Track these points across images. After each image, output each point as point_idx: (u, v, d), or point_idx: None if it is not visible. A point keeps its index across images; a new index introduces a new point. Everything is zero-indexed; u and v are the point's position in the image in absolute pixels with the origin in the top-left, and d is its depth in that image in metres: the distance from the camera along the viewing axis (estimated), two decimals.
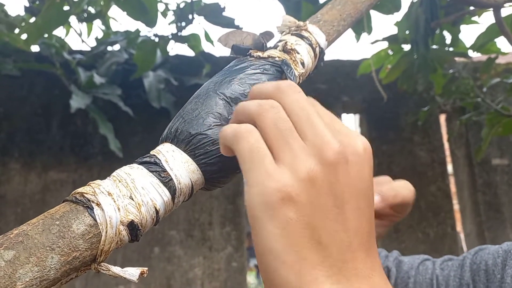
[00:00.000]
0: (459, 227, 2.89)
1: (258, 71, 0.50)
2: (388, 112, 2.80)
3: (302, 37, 0.56)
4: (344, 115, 2.88)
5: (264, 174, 0.33)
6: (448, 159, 2.89)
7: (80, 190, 0.40)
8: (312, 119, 0.36)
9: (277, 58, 0.52)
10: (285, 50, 0.54)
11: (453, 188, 2.86)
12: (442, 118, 2.97)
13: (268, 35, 0.56)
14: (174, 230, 2.42)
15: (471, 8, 1.48)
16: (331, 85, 2.76)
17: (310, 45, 0.56)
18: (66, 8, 1.74)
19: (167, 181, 0.42)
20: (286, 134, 0.35)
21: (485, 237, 2.65)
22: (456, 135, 2.83)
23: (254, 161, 0.34)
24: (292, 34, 0.57)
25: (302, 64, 0.54)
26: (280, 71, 0.51)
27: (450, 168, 2.87)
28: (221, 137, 0.38)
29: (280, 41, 0.56)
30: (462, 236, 2.86)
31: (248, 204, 0.34)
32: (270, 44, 0.56)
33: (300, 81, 0.54)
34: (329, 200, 0.33)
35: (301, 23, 0.57)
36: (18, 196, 2.32)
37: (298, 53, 0.54)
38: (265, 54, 0.53)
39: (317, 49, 0.57)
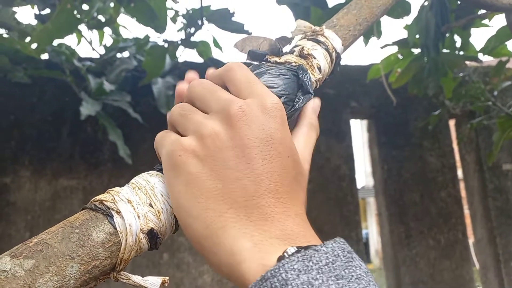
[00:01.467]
0: (470, 233, 2.86)
1: (275, 76, 0.49)
2: (397, 118, 2.78)
3: (318, 42, 0.55)
4: (352, 121, 2.87)
5: (169, 144, 0.38)
6: (458, 164, 2.86)
7: (99, 197, 0.40)
8: (213, 93, 0.39)
9: (293, 63, 0.52)
10: (301, 55, 0.53)
11: (463, 193, 2.84)
12: (451, 123, 2.95)
13: (284, 40, 0.55)
14: (183, 237, 2.42)
15: (482, 11, 1.47)
16: (340, 91, 2.75)
17: (327, 50, 0.55)
18: (76, 14, 1.74)
19: None
20: (187, 113, 0.39)
21: (496, 243, 2.62)
22: (466, 140, 2.81)
23: (162, 140, 0.40)
24: (308, 39, 0.56)
25: (319, 69, 0.54)
26: (297, 76, 0.51)
27: (460, 173, 2.85)
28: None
29: (296, 46, 0.55)
30: (470, 242, 2.83)
31: (164, 170, 0.38)
32: (285, 49, 0.55)
33: (318, 86, 0.54)
34: (230, 152, 0.35)
35: (318, 28, 0.56)
36: (28, 203, 2.33)
37: (314, 58, 0.54)
38: (282, 59, 0.52)
39: (334, 54, 0.56)
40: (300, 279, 0.29)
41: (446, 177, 2.72)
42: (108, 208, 0.39)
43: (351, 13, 0.60)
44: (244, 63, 0.51)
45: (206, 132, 0.36)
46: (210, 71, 0.46)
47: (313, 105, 0.48)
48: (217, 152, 0.35)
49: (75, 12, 1.71)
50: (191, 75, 0.47)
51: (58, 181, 2.37)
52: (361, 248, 2.52)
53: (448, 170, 2.74)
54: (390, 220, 2.63)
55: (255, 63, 0.52)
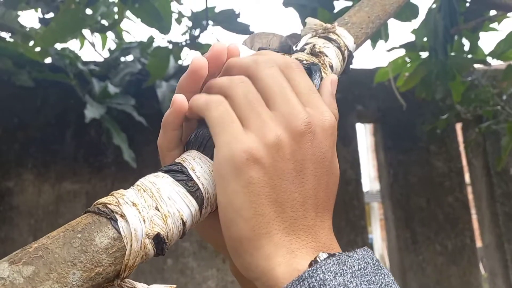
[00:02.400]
0: (477, 238, 2.83)
1: None
2: (403, 122, 2.76)
3: (330, 39, 0.54)
4: (358, 124, 2.85)
5: (231, 137, 0.37)
6: (465, 168, 2.84)
7: (102, 200, 0.38)
8: (284, 91, 0.38)
9: (304, 61, 0.50)
10: (313, 53, 0.51)
11: (470, 198, 2.81)
12: (458, 127, 2.92)
13: (294, 37, 0.54)
14: (187, 242, 2.40)
15: (491, 14, 1.45)
16: (345, 94, 2.73)
17: (339, 48, 0.54)
18: (80, 16, 1.74)
19: (194, 191, 0.40)
20: (255, 103, 0.38)
21: (504, 249, 2.59)
22: (473, 144, 2.79)
23: (223, 125, 0.38)
24: (319, 37, 0.54)
25: (331, 67, 0.52)
26: (310, 74, 0.49)
27: (467, 178, 2.82)
28: (192, 105, 0.41)
29: (307, 43, 0.53)
30: (477, 246, 2.80)
31: (216, 164, 0.38)
32: (295, 47, 0.54)
33: None
34: (290, 164, 0.36)
35: (329, 25, 0.55)
36: (32, 207, 2.32)
37: (326, 56, 0.52)
38: (293, 57, 0.50)
39: (346, 52, 0.54)
40: (336, 280, 0.31)
41: (453, 182, 2.70)
42: (112, 211, 0.37)
43: (363, 10, 0.58)
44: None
45: (271, 139, 0.36)
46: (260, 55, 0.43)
47: (330, 90, 0.45)
48: (279, 163, 0.36)
49: (80, 10, 1.70)
50: (233, 47, 0.45)
51: (62, 184, 2.37)
52: None
53: (455, 174, 2.72)
54: (396, 225, 2.61)
55: None
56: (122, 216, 0.36)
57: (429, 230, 2.60)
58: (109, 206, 0.37)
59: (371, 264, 0.33)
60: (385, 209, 2.77)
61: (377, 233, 13.21)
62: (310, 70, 0.48)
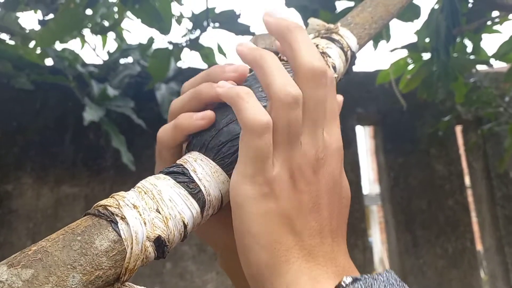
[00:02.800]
0: (478, 241, 2.82)
1: (289, 74, 0.46)
2: (404, 124, 2.76)
3: (333, 40, 0.53)
4: (358, 127, 2.84)
5: (258, 171, 0.36)
6: (465, 171, 2.83)
7: (103, 202, 0.37)
8: (318, 124, 0.38)
9: None
10: None
11: (470, 201, 2.81)
12: (458, 129, 2.92)
13: None
14: (186, 245, 2.39)
15: (493, 15, 1.44)
16: (345, 97, 2.68)
17: (341, 48, 0.53)
18: (79, 16, 1.73)
19: (195, 193, 0.39)
20: (292, 138, 0.37)
21: (505, 253, 2.59)
22: (473, 147, 2.78)
23: (255, 159, 0.36)
24: (322, 37, 0.54)
25: (334, 68, 0.52)
26: None
27: (467, 180, 2.82)
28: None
29: None
30: (478, 249, 2.79)
31: (234, 190, 0.37)
32: None
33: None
34: (307, 196, 0.37)
35: (332, 25, 0.54)
36: (31, 210, 2.31)
37: (329, 56, 0.51)
38: None
39: (349, 53, 0.54)
40: None
41: (453, 185, 2.69)
42: (112, 213, 0.36)
43: (366, 11, 0.58)
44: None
45: (293, 173, 0.37)
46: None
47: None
48: (295, 195, 0.37)
49: (80, 10, 1.70)
50: (242, 69, 0.44)
51: (60, 188, 2.36)
52: (368, 257, 2.49)
53: (456, 177, 2.71)
54: (396, 228, 2.60)
55: None
56: (123, 218, 0.36)
57: (429, 233, 2.59)
58: (109, 208, 0.36)
59: (396, 285, 0.33)
60: (385, 212, 2.77)
61: (376, 236, 13.19)
62: None
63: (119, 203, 0.37)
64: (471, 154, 2.87)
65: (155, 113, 2.38)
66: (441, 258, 2.56)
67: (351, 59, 0.55)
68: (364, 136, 12.42)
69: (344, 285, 0.33)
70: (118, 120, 2.28)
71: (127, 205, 0.37)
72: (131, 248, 0.35)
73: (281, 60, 0.50)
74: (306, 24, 0.56)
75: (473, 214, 2.77)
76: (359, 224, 2.52)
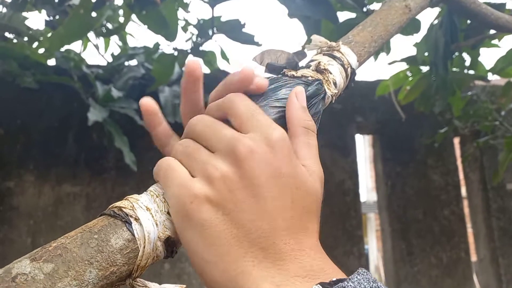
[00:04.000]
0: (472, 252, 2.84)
1: (291, 90, 0.50)
2: (402, 134, 2.79)
3: (334, 57, 0.56)
4: (357, 136, 2.87)
5: (177, 187, 0.37)
6: (462, 182, 2.86)
7: (118, 204, 0.40)
8: (216, 131, 0.39)
9: (310, 78, 0.52)
10: (318, 69, 0.54)
11: (466, 212, 2.83)
12: (456, 141, 2.95)
13: (301, 54, 0.56)
14: None
15: (492, 31, 1.48)
16: (346, 106, 2.76)
17: (342, 65, 0.56)
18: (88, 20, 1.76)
19: None
20: (192, 152, 0.38)
21: (499, 263, 2.61)
22: (470, 159, 2.81)
23: (167, 178, 0.38)
24: (324, 54, 0.57)
25: (335, 84, 0.55)
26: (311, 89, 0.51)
27: (463, 191, 2.84)
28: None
29: (312, 60, 0.56)
30: (473, 260, 2.81)
31: (172, 217, 0.37)
32: (301, 63, 0.56)
33: (333, 101, 0.54)
34: (241, 193, 0.35)
35: (334, 43, 0.57)
36: (31, 208, 2.33)
37: (330, 73, 0.54)
38: (299, 73, 0.53)
39: (349, 70, 0.57)
40: None
41: (450, 195, 2.72)
42: (127, 215, 0.39)
43: (367, 30, 0.61)
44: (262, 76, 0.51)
45: (215, 175, 0.36)
46: (211, 104, 0.44)
47: (297, 103, 0.44)
48: (229, 195, 0.35)
49: (89, 15, 1.73)
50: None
51: (62, 187, 2.38)
52: (363, 264, 2.51)
53: (452, 188, 2.74)
54: (392, 236, 2.62)
55: (273, 75, 0.53)
56: (137, 219, 0.39)
57: (424, 242, 2.61)
58: (124, 209, 0.39)
59: (368, 287, 0.31)
60: (381, 220, 2.79)
61: (373, 243, 13.17)
62: (314, 85, 0.51)
63: (133, 205, 0.40)
64: (468, 165, 2.90)
65: None
66: (436, 267, 2.58)
67: (351, 76, 0.58)
68: (364, 144, 12.44)
69: None
70: (121, 121, 2.30)
71: (141, 207, 0.40)
72: (144, 247, 0.38)
73: (285, 75, 0.53)
74: (309, 40, 0.59)
75: (469, 225, 2.80)
76: (356, 231, 2.55)
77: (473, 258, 2.98)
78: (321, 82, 0.51)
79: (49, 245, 0.37)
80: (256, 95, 0.48)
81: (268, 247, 0.34)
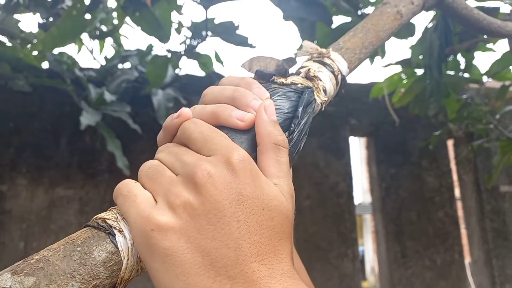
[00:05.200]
0: (466, 253, 2.85)
1: (281, 98, 0.49)
2: (396, 136, 2.79)
3: (324, 64, 0.56)
4: (351, 138, 2.87)
5: (136, 211, 0.35)
6: (456, 184, 2.87)
7: (101, 215, 0.39)
8: (178, 156, 0.38)
9: (299, 85, 0.52)
10: (307, 77, 0.53)
11: (460, 214, 2.84)
12: (450, 143, 2.95)
13: (290, 61, 0.56)
14: None
15: (485, 36, 1.48)
16: (339, 108, 2.76)
17: (332, 72, 0.56)
18: (81, 21, 1.75)
19: None
20: (154, 176, 0.37)
21: (492, 265, 2.61)
22: (464, 161, 2.82)
23: (127, 206, 0.37)
24: (314, 61, 0.56)
25: (324, 91, 0.54)
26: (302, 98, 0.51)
27: (457, 193, 2.85)
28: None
29: (302, 67, 0.55)
30: (467, 262, 2.82)
31: (135, 246, 0.36)
32: (291, 70, 0.56)
33: (323, 108, 0.54)
34: (202, 219, 0.33)
35: (324, 50, 0.57)
36: (24, 211, 2.31)
37: (320, 80, 0.54)
38: (288, 80, 0.52)
39: (339, 77, 0.56)
40: None
41: (443, 197, 2.72)
42: (111, 226, 0.38)
43: (358, 36, 0.60)
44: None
45: (176, 202, 0.34)
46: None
47: (267, 117, 0.42)
48: (190, 222, 0.33)
49: (82, 16, 1.72)
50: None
51: (55, 190, 2.36)
52: (357, 266, 2.51)
53: (446, 190, 2.74)
54: (386, 239, 2.62)
55: (262, 82, 0.52)
56: (120, 231, 0.38)
57: (418, 244, 2.62)
58: (107, 221, 0.39)
59: None
60: (376, 222, 2.79)
61: (369, 245, 13.20)
62: (304, 93, 0.50)
63: (117, 216, 0.39)
64: (462, 167, 2.91)
65: (151, 118, 2.39)
66: (430, 269, 2.58)
67: (341, 82, 0.57)
68: (359, 146, 12.47)
69: None
70: (114, 125, 2.29)
71: (124, 218, 0.39)
72: (127, 260, 0.37)
73: (274, 82, 0.52)
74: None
75: (462, 227, 2.80)
76: (350, 233, 2.55)
77: (467, 260, 2.99)
78: (312, 89, 0.51)
79: (31, 258, 0.37)
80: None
81: (236, 275, 0.32)
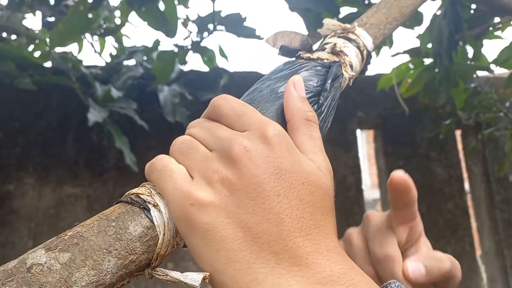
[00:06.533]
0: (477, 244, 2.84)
1: (310, 72, 0.48)
2: (404, 128, 2.77)
3: (349, 39, 0.55)
4: (359, 131, 2.86)
5: (174, 187, 0.35)
6: (465, 175, 2.85)
7: (134, 191, 0.38)
8: (212, 132, 0.38)
9: (326, 60, 0.51)
10: (333, 52, 0.52)
11: (470, 204, 2.83)
12: (458, 133, 2.94)
13: (315, 36, 0.55)
14: None
15: (495, 21, 1.46)
16: (346, 100, 2.74)
17: (358, 47, 0.55)
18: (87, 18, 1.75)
19: None
20: (188, 151, 0.37)
21: (504, 256, 2.60)
22: (472, 151, 2.80)
23: (163, 181, 0.36)
24: (338, 37, 0.55)
25: (351, 66, 0.53)
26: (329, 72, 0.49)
27: (467, 184, 2.83)
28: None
29: (326, 43, 0.54)
30: (477, 253, 2.80)
31: (174, 222, 0.35)
32: (315, 46, 0.55)
33: (350, 84, 0.53)
34: (242, 194, 0.33)
35: (349, 25, 0.56)
36: (32, 210, 2.31)
37: (346, 55, 0.53)
38: (314, 55, 0.51)
39: (365, 52, 0.55)
40: None
41: (453, 188, 2.71)
42: (145, 201, 0.37)
43: (381, 11, 0.59)
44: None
45: (213, 177, 0.34)
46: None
47: (296, 93, 0.41)
48: (229, 198, 0.33)
49: (89, 12, 1.71)
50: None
51: (62, 188, 2.36)
52: None
53: (455, 181, 2.73)
54: None
55: (287, 58, 0.51)
56: (155, 206, 0.37)
57: (429, 236, 2.56)
58: (141, 196, 0.38)
59: None
60: None
61: None
62: (332, 67, 0.49)
63: (151, 191, 0.38)
64: (471, 158, 2.89)
65: (158, 115, 2.38)
66: None
67: (367, 58, 0.56)
68: (361, 141, 12.44)
69: None
70: (121, 122, 2.28)
71: (158, 193, 0.38)
72: (164, 234, 0.36)
73: (300, 57, 0.51)
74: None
75: (472, 218, 2.79)
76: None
77: (478, 251, 2.98)
78: (340, 63, 0.50)
79: (64, 234, 0.36)
80: (274, 79, 0.47)
81: (280, 251, 0.31)
